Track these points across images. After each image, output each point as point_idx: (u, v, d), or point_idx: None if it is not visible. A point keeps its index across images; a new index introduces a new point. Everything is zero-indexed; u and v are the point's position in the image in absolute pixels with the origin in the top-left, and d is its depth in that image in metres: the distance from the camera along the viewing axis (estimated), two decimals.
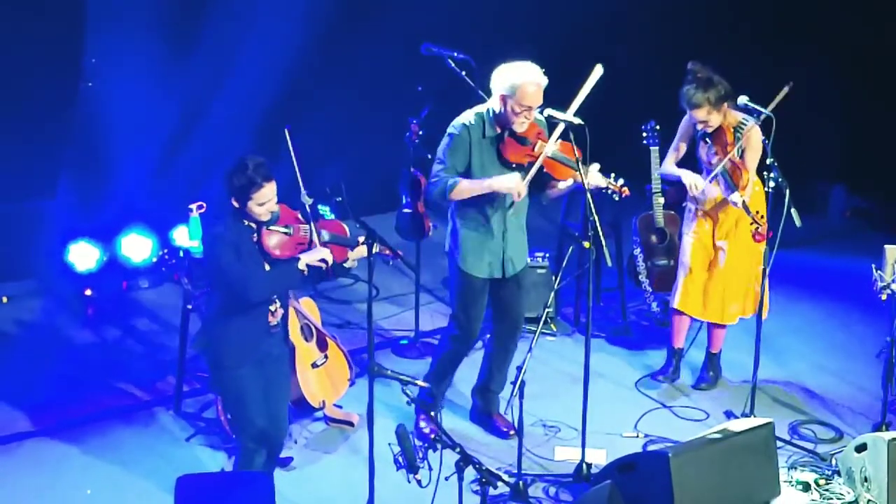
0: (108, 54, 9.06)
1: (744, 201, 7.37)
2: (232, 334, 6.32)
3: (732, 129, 7.54)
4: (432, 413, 7.14)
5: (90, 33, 8.95)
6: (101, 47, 9.02)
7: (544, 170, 7.02)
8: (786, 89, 7.48)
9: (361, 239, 6.51)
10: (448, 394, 7.73)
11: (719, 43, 7.85)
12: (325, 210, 8.62)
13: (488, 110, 7.03)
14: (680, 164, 7.82)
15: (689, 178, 7.69)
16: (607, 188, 6.97)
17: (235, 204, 6.18)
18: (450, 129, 7.06)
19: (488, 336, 7.62)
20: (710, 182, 7.62)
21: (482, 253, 7.18)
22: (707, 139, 7.57)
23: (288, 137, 6.58)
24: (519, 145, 7.03)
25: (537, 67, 6.96)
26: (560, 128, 6.99)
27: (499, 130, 7.02)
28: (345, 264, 6.56)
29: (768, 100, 7.48)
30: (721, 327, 7.99)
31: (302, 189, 6.49)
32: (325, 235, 6.49)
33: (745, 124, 7.53)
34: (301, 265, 6.32)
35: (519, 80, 6.88)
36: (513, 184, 6.94)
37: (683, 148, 7.82)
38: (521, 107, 6.89)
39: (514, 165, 7.04)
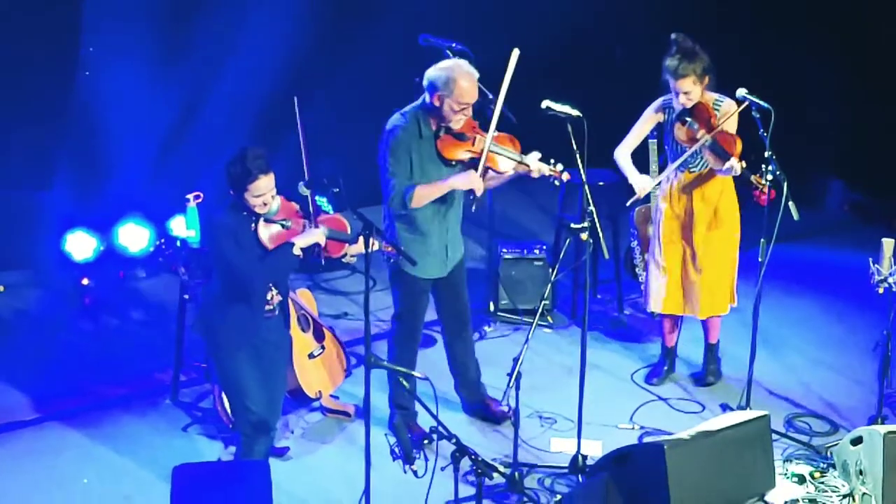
0: (106, 43, 9.05)
1: (742, 166, 7.29)
2: (229, 320, 6.36)
3: (711, 104, 7.51)
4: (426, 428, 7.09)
5: (87, 22, 8.93)
6: (99, 36, 9.01)
7: (485, 163, 6.96)
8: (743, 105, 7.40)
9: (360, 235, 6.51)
10: (439, 389, 7.68)
11: (716, 35, 7.83)
12: (322, 201, 8.63)
13: (420, 108, 6.94)
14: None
15: (638, 181, 7.64)
16: (550, 176, 6.96)
17: (233, 193, 6.20)
18: (386, 136, 6.96)
19: (438, 334, 7.59)
20: (678, 170, 7.61)
21: (426, 256, 7.11)
22: (687, 118, 7.46)
23: (296, 108, 6.56)
24: (458, 141, 6.96)
25: (467, 63, 6.94)
26: (495, 120, 6.95)
27: (434, 128, 6.96)
28: (343, 259, 6.57)
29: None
30: (715, 317, 7.97)
31: (306, 171, 6.49)
32: (324, 230, 6.50)
33: (721, 102, 7.50)
34: (296, 250, 6.34)
35: (455, 77, 6.81)
36: (472, 180, 6.89)
37: (642, 135, 7.76)
38: (460, 104, 6.84)
39: (454, 163, 6.98)
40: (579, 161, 6.90)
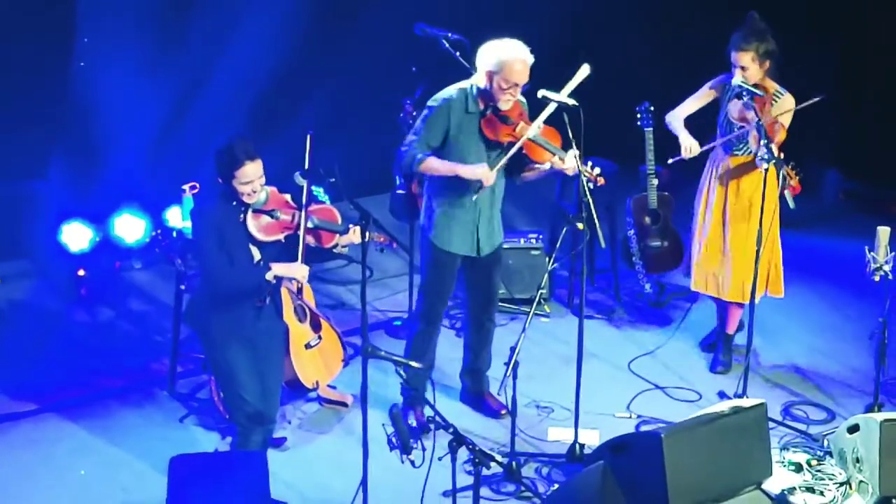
0: (102, 34, 9.03)
1: (778, 156, 7.24)
2: (218, 311, 6.36)
3: (772, 92, 7.53)
4: (429, 410, 7.09)
5: (83, 13, 8.92)
6: (95, 27, 8.99)
7: (523, 151, 7.02)
8: (816, 98, 7.42)
9: (353, 226, 6.52)
10: (437, 377, 7.71)
11: (715, 24, 7.83)
12: (319, 191, 8.63)
13: (472, 86, 7.02)
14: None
15: (687, 140, 7.73)
16: (585, 177, 6.96)
17: (221, 182, 6.21)
18: (430, 102, 7.06)
19: (461, 317, 7.59)
20: (724, 152, 7.65)
21: (453, 229, 7.16)
22: (744, 95, 7.46)
23: (308, 143, 6.61)
24: (501, 124, 7.01)
25: (524, 45, 6.95)
26: (546, 112, 6.99)
27: (482, 107, 7.01)
28: (334, 249, 6.57)
29: None
30: (739, 307, 7.95)
31: (307, 163, 6.51)
32: (313, 221, 6.49)
33: (781, 94, 7.53)
34: (269, 276, 6.32)
35: (506, 56, 6.87)
36: (479, 173, 6.94)
37: (706, 99, 7.81)
38: (508, 83, 6.88)
39: (493, 143, 7.04)
40: (576, 150, 6.90)
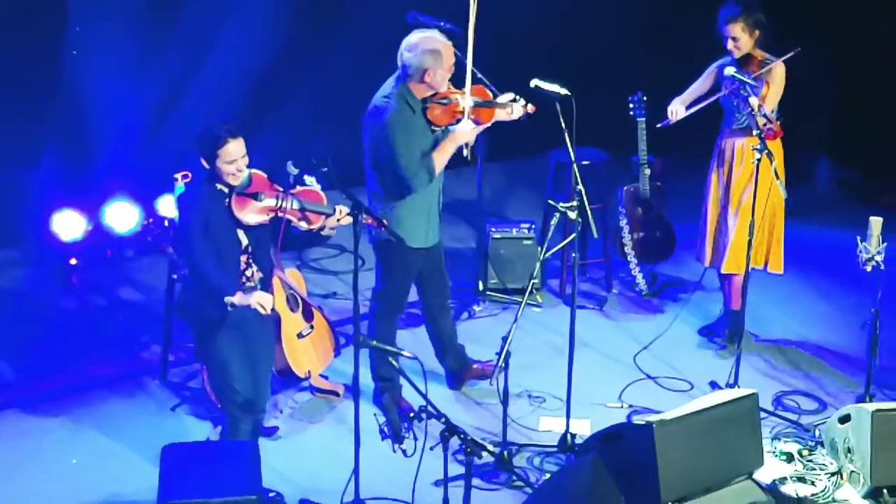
0: (94, 22, 9.00)
1: (760, 105, 7.36)
2: (207, 299, 6.33)
3: (759, 61, 7.58)
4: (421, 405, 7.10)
5: (75, 1, 8.89)
6: (87, 15, 8.97)
7: (472, 117, 7.12)
8: (793, 52, 7.52)
9: (339, 207, 6.51)
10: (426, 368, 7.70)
11: (708, 12, 7.83)
12: (311, 181, 8.61)
13: (402, 85, 7.02)
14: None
15: (673, 104, 7.83)
16: (524, 114, 7.15)
17: (206, 165, 6.22)
18: (390, 127, 6.94)
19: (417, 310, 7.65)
20: (729, 123, 7.72)
21: (422, 224, 7.21)
22: (743, 88, 7.50)
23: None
24: (444, 107, 7.08)
25: (430, 30, 7.12)
26: (469, 75, 7.10)
27: (420, 100, 7.06)
28: (322, 232, 6.55)
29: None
30: (735, 280, 7.94)
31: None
32: (299, 203, 6.48)
33: (771, 60, 7.58)
34: (228, 300, 6.26)
35: (437, 48, 6.97)
36: (469, 130, 7.10)
37: (706, 84, 7.85)
38: (450, 67, 7.02)
39: (443, 128, 7.12)
40: (568, 140, 6.90)
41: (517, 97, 7.17)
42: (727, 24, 7.55)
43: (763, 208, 7.42)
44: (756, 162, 7.19)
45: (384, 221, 6.66)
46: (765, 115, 7.36)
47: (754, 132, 7.31)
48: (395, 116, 6.95)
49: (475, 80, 7.23)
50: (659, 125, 7.85)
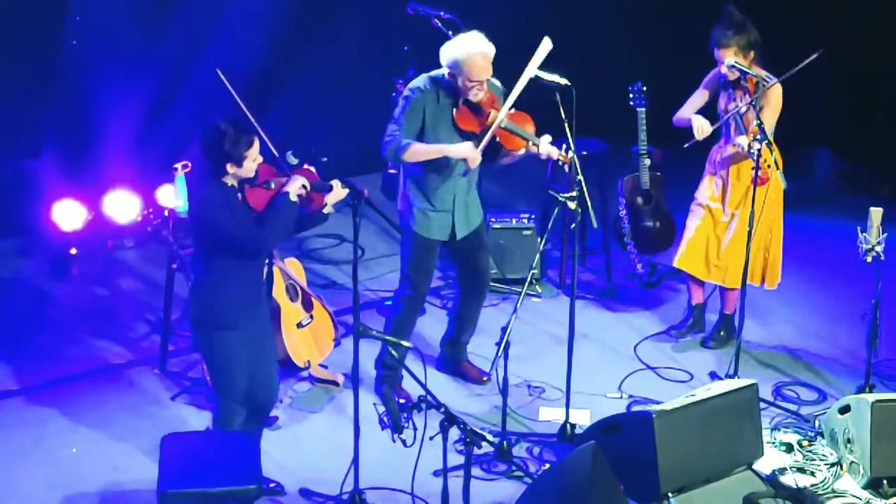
0: (93, 12, 8.99)
1: (749, 146, 7.27)
2: (232, 294, 6.20)
3: (755, 82, 7.52)
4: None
5: None
6: (86, 5, 8.95)
7: (496, 139, 7.06)
8: (815, 55, 7.41)
9: (334, 182, 6.41)
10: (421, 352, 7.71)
11: (708, 3, 7.83)
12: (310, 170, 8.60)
13: (443, 76, 7.03)
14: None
15: (697, 121, 7.67)
16: (558, 160, 7.04)
17: (231, 169, 6.05)
18: (405, 92, 7.09)
19: (451, 294, 7.62)
20: (728, 134, 7.66)
21: (431, 215, 7.22)
22: (729, 87, 7.53)
23: (222, 77, 6.55)
24: (472, 114, 7.05)
25: (483, 37, 6.96)
26: (512, 98, 7.02)
27: (452, 97, 7.04)
28: (323, 210, 6.51)
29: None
30: (731, 290, 7.96)
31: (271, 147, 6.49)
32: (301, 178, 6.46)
33: (768, 81, 7.50)
34: (293, 197, 6.19)
35: (464, 55, 6.89)
36: (466, 151, 6.98)
37: (704, 97, 7.80)
38: (472, 81, 6.92)
39: (467, 133, 7.06)
40: (568, 130, 6.90)
41: (564, 147, 7.00)
42: (719, 49, 7.48)
43: (757, 222, 7.38)
44: (756, 154, 7.17)
45: (365, 190, 6.53)
46: (754, 158, 7.27)
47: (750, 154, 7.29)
48: (419, 94, 7.00)
49: (519, 108, 7.10)
50: (686, 145, 7.71)
